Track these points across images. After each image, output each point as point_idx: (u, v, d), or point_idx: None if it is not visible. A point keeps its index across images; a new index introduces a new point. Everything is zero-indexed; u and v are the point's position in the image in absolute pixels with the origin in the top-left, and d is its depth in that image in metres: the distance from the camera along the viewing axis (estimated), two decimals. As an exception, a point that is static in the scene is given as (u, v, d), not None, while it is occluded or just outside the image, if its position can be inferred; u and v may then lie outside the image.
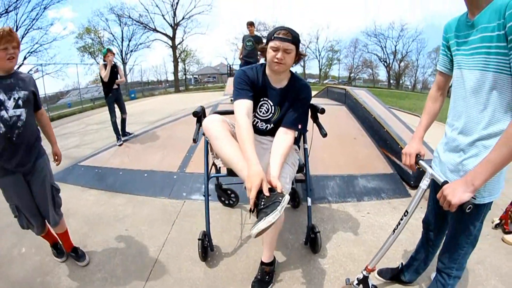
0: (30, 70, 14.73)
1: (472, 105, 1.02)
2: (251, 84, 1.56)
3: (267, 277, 1.65)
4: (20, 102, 1.51)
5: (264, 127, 1.69)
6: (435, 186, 1.21)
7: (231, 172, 1.80)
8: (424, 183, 1.20)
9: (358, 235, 2.18)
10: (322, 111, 1.82)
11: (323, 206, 2.63)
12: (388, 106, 5.28)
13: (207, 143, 1.85)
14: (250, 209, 1.24)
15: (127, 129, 4.52)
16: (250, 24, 5.82)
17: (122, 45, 26.25)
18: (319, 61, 38.57)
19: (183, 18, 27.27)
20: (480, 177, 0.91)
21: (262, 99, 1.63)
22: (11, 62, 1.46)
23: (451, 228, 1.22)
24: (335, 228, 2.28)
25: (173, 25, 26.99)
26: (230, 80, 12.38)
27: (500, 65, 0.92)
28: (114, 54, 4.19)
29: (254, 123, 1.68)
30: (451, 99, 1.16)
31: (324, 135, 1.84)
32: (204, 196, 1.87)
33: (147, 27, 26.59)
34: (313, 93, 6.01)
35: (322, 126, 1.88)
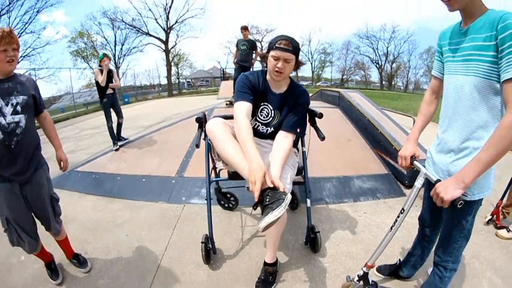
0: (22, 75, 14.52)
1: (462, 109, 1.10)
2: (252, 88, 1.63)
3: (271, 277, 1.69)
4: (18, 108, 1.42)
5: (264, 131, 1.75)
6: (429, 185, 1.27)
7: (232, 176, 1.84)
8: (419, 182, 1.26)
9: (356, 234, 2.24)
10: (320, 115, 1.88)
11: (320, 207, 2.69)
12: (381, 108, 5.39)
13: (208, 147, 1.88)
14: (253, 207, 1.31)
15: (122, 134, 4.51)
16: (244, 29, 5.86)
17: (115, 49, 26.16)
18: (311, 63, 39.04)
19: (176, 22, 27.36)
20: (470, 175, 0.99)
21: (262, 103, 1.69)
22: (11, 65, 1.39)
23: (445, 224, 1.28)
24: (333, 228, 2.33)
25: (166, 29, 27.02)
26: (224, 84, 12.41)
27: (489, 72, 0.99)
28: (110, 59, 4.22)
29: (256, 126, 1.74)
30: (442, 103, 1.23)
31: (322, 138, 1.90)
32: (206, 199, 1.90)
33: (140, 31, 26.55)
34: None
35: (320, 130, 1.94)
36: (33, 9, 18.73)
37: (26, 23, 18.67)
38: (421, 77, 37.22)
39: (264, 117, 1.72)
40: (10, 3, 17.03)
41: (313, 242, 1.98)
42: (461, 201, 0.99)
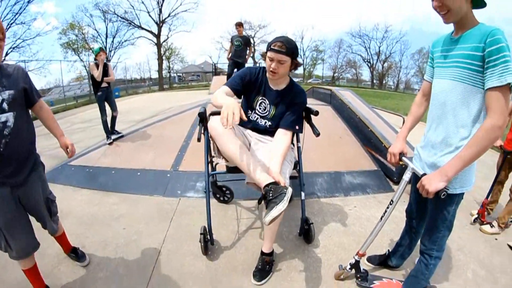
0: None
1: (447, 111, 1.21)
2: (248, 82, 1.78)
3: (267, 266, 1.78)
4: (4, 105, 1.26)
5: (262, 123, 1.85)
6: (416, 179, 1.38)
7: (230, 170, 1.91)
8: (407, 175, 1.39)
9: (347, 227, 2.35)
10: (316, 113, 1.96)
11: (313, 201, 2.78)
12: (372, 106, 5.53)
13: (207, 141, 1.94)
14: (258, 201, 1.42)
15: (115, 128, 4.49)
16: (239, 25, 5.89)
17: (106, 42, 25.48)
18: (303, 60, 39.10)
19: (169, 15, 26.93)
20: (452, 170, 1.11)
21: (261, 97, 1.81)
22: None
23: (430, 215, 1.39)
24: (325, 220, 2.43)
25: (158, 22, 26.58)
26: (216, 79, 12.39)
27: (474, 79, 1.11)
28: (106, 53, 4.20)
29: (255, 119, 1.86)
30: (430, 104, 1.35)
31: (317, 134, 1.97)
32: (204, 192, 1.96)
33: (132, 23, 26.00)
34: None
35: (315, 126, 2.01)
36: (24, -1, 18.04)
37: (17, 13, 17.96)
38: (412, 77, 37.80)
39: (262, 110, 1.83)
40: (-1, -7, 16.35)
41: (307, 233, 2.07)
42: (444, 192, 1.11)
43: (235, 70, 5.79)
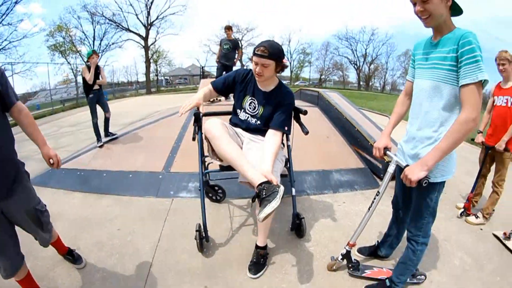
0: None
1: (427, 107, 1.34)
2: (232, 83, 1.94)
3: (262, 259, 1.85)
4: None
5: (253, 122, 1.93)
6: (400, 171, 1.47)
7: (223, 168, 1.98)
8: (391, 168, 1.50)
9: (336, 221, 2.45)
10: (305, 112, 2.05)
11: (303, 198, 2.87)
12: (359, 107, 5.71)
13: (201, 141, 1.99)
14: (252, 199, 1.50)
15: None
16: (228, 28, 5.96)
17: (93, 45, 24.90)
18: (290, 63, 39.47)
19: (157, 18, 26.71)
20: (432, 160, 1.23)
21: (250, 97, 1.90)
22: None
23: (414, 203, 1.50)
24: (316, 216, 2.52)
25: (146, 25, 26.31)
26: (203, 82, 12.38)
27: (450, 78, 1.23)
28: (98, 55, 4.19)
29: (246, 118, 1.94)
30: (412, 102, 1.48)
31: (306, 133, 2.06)
32: (199, 189, 2.02)
33: (120, 26, 25.58)
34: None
35: (304, 125, 2.10)
36: (11, -1, 17.42)
37: (3, 14, 17.32)
38: (398, 78, 38.60)
39: (252, 109, 1.92)
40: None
41: (298, 227, 2.16)
42: (425, 181, 1.22)
43: (224, 73, 5.85)
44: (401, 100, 1.64)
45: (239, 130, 1.96)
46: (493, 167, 2.63)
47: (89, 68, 3.98)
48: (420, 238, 1.50)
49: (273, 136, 1.81)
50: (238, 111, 1.97)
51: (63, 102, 13.79)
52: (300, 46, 39.64)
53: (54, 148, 1.52)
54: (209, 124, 1.74)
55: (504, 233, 2.27)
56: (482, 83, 1.15)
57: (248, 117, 1.94)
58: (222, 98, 5.74)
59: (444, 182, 1.39)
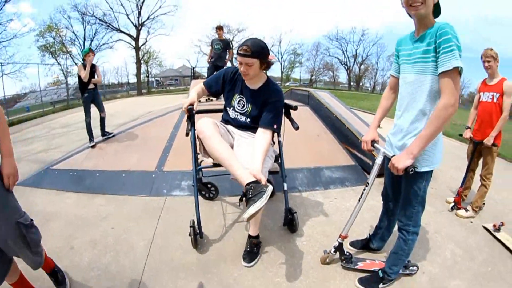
0: None
1: (413, 100, 1.40)
2: (223, 82, 1.98)
3: (255, 248, 1.92)
4: None
5: (243, 119, 1.98)
6: (388, 162, 1.53)
7: (216, 164, 2.02)
8: (379, 159, 1.57)
9: (328, 217, 2.51)
10: (295, 108, 2.10)
11: (294, 194, 2.93)
12: (349, 107, 5.81)
13: (194, 137, 2.02)
14: (240, 199, 1.52)
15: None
16: (219, 28, 5.98)
17: (84, 45, 24.42)
18: (281, 64, 39.61)
19: (148, 18, 26.43)
20: (416, 148, 1.30)
21: (238, 96, 1.95)
22: None
23: (403, 193, 1.56)
24: (308, 212, 2.58)
25: (137, 25, 26.02)
26: (194, 83, 12.35)
27: (431, 70, 1.30)
28: (95, 54, 4.15)
29: (236, 116, 1.98)
30: (398, 96, 1.54)
31: (296, 128, 2.11)
32: (192, 186, 2.05)
33: (111, 26, 25.20)
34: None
35: (294, 121, 2.16)
36: (-1, -2, 16.94)
37: None
38: (388, 78, 38.53)
39: (241, 107, 1.97)
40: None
41: (291, 222, 2.21)
42: (412, 169, 1.29)
43: (215, 73, 5.86)
44: (386, 95, 1.72)
45: (230, 128, 2.00)
46: (480, 161, 2.72)
47: (85, 66, 3.95)
48: (411, 228, 1.55)
49: (262, 134, 1.83)
50: (228, 109, 2.02)
51: (54, 104, 13.54)
52: (290, 46, 39.65)
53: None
54: (200, 124, 1.77)
55: (494, 225, 2.36)
56: (459, 71, 1.21)
57: (237, 115, 1.98)
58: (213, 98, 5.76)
59: (431, 171, 1.46)
